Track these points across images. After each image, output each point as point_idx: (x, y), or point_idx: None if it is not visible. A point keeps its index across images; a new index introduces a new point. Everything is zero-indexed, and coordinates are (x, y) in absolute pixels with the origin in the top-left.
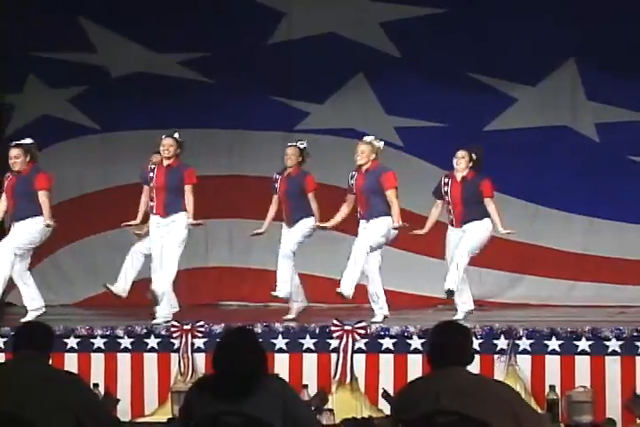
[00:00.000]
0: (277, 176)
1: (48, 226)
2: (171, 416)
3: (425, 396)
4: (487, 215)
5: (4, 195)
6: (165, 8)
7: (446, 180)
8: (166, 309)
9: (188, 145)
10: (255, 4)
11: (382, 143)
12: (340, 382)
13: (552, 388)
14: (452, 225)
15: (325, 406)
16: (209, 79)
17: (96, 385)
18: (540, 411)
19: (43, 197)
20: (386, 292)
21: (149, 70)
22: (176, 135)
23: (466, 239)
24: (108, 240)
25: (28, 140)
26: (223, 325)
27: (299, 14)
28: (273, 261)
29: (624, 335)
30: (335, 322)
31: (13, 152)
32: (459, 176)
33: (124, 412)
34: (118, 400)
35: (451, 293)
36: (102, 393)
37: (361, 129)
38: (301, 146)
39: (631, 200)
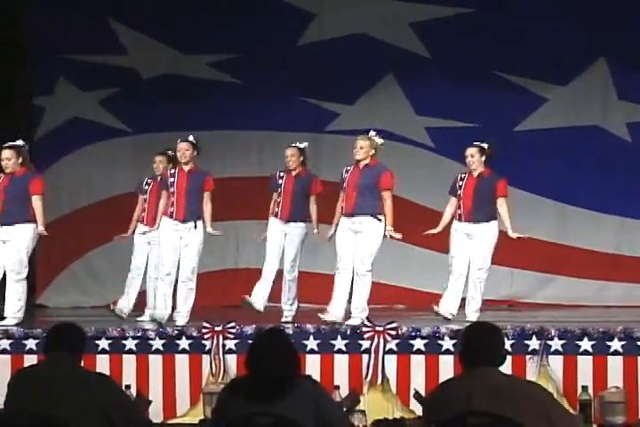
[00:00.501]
0: (282, 174)
1: (41, 234)
2: (202, 418)
3: (457, 397)
4: (495, 217)
5: None
6: (195, 9)
7: (463, 175)
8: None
9: (218, 146)
10: (285, 5)
11: (382, 140)
12: (372, 383)
13: (584, 388)
14: (460, 220)
15: (357, 408)
16: (239, 80)
17: (128, 387)
18: (572, 412)
19: (37, 201)
20: (417, 292)
21: (179, 72)
22: (191, 138)
23: (476, 259)
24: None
25: (20, 142)
26: (254, 326)
27: (329, 15)
28: (303, 262)
29: None
30: (366, 323)
31: (5, 153)
32: (475, 173)
33: (155, 413)
34: (150, 402)
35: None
36: (134, 395)
37: (391, 130)
38: (301, 146)
39: None
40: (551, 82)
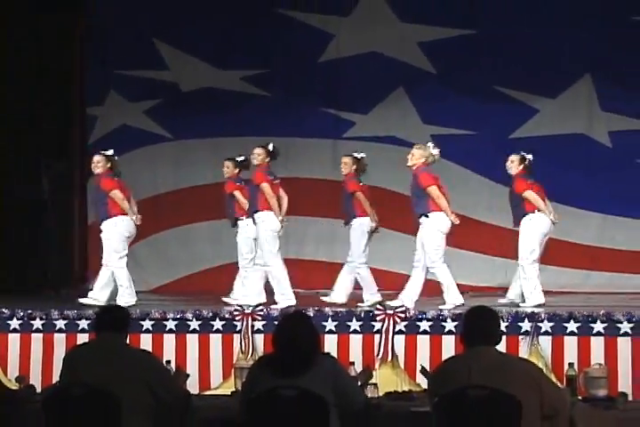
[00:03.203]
0: None
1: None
2: (234, 390)
3: (458, 372)
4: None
5: None
6: (230, 30)
7: None
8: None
9: (248, 152)
10: (308, 27)
11: (436, 151)
12: (383, 359)
13: (571, 365)
14: None
15: (370, 381)
16: (267, 93)
17: (168, 362)
18: (560, 386)
19: (114, 196)
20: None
21: (215, 85)
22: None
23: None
24: (178, 235)
25: (110, 152)
26: (280, 309)
27: (346, 36)
28: (322, 253)
29: (634, 319)
30: (379, 306)
31: (96, 158)
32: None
33: (192, 386)
34: (188, 375)
35: None
36: (174, 369)
37: (401, 137)
38: (358, 155)
39: None
40: (542, 95)
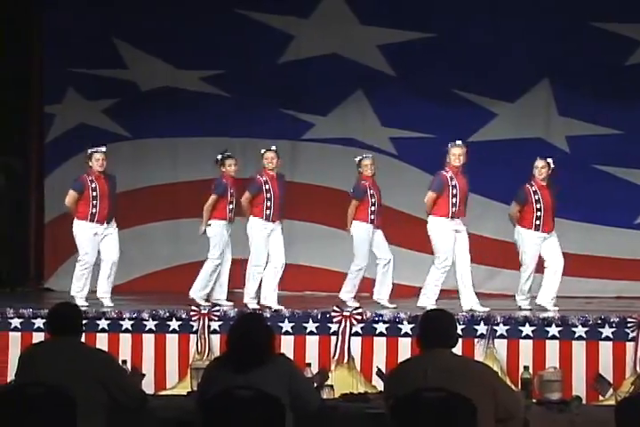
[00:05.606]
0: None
1: None
2: (190, 390)
3: (414, 374)
4: None
5: (93, 194)
6: (189, 30)
7: (533, 188)
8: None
9: (208, 151)
10: (268, 28)
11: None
12: (339, 361)
13: (526, 368)
14: (537, 230)
15: (326, 383)
16: (226, 93)
17: (124, 362)
18: (514, 389)
19: None
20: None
21: (174, 85)
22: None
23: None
24: (134, 235)
25: (104, 149)
26: (236, 310)
27: (306, 37)
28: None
29: (589, 323)
30: (335, 308)
31: (102, 155)
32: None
33: (148, 385)
34: (144, 375)
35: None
36: (130, 369)
37: (360, 139)
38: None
39: (596, 204)
40: (501, 99)
